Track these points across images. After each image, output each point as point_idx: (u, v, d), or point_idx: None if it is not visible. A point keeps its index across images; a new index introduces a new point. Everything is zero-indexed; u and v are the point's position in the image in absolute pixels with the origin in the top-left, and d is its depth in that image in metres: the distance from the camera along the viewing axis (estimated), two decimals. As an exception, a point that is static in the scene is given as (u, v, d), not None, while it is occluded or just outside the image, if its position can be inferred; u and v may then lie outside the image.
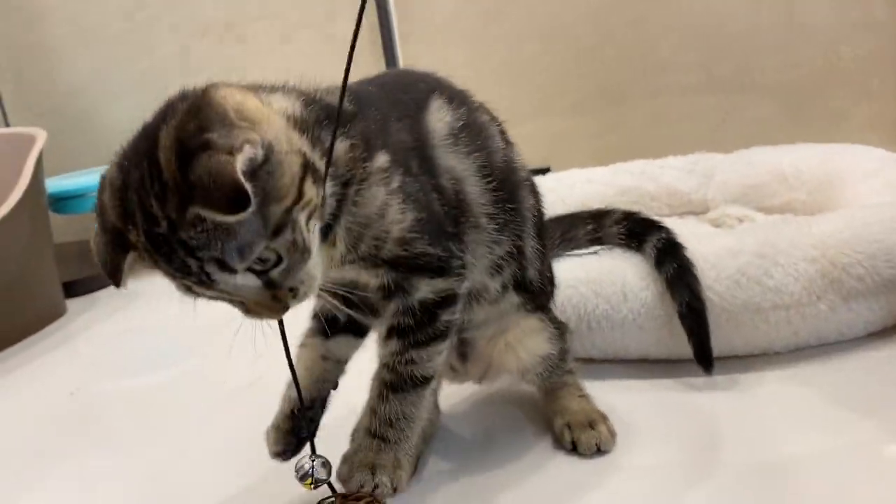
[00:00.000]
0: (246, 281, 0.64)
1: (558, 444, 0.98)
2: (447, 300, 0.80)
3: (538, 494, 0.88)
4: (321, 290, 0.72)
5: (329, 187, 0.70)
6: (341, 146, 0.72)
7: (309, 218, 0.66)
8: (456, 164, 0.83)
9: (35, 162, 1.84)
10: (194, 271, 0.62)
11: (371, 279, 0.79)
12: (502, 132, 0.93)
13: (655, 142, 2.06)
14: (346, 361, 0.89)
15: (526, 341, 0.95)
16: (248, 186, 0.58)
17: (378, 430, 0.80)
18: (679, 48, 2.17)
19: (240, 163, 0.58)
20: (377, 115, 0.78)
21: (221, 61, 2.41)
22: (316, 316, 0.89)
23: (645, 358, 1.16)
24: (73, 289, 2.02)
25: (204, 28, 2.40)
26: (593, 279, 1.15)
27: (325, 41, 2.27)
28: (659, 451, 0.93)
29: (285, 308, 0.68)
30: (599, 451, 0.94)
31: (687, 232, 1.16)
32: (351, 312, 0.83)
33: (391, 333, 0.81)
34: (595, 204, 1.86)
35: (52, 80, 2.49)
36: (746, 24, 2.13)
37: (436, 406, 1.06)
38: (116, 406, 1.34)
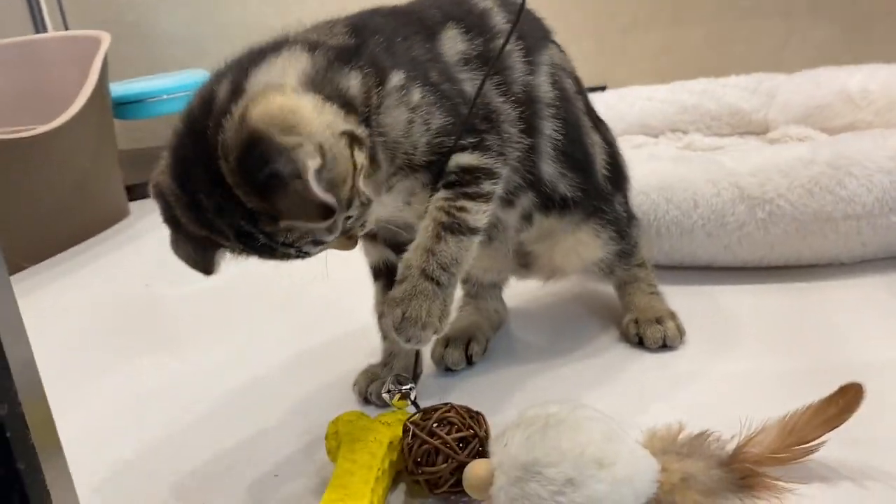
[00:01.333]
0: (326, 239, 0.72)
1: (624, 338, 1.01)
2: (488, 173, 0.79)
3: (602, 382, 0.92)
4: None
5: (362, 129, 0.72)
6: (354, 81, 0.73)
7: (364, 176, 0.71)
8: (471, 86, 0.83)
9: (101, 64, 1.87)
10: (293, 256, 0.71)
11: (416, 188, 0.82)
12: (527, 49, 0.89)
13: (714, 62, 2.03)
14: None
15: (580, 249, 0.97)
16: (327, 197, 0.63)
17: (433, 272, 0.77)
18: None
19: (312, 183, 0.62)
20: (382, 39, 0.78)
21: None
22: (378, 273, 0.94)
23: (711, 265, 1.18)
24: (136, 192, 2.06)
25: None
26: (665, 185, 1.16)
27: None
28: (725, 353, 0.96)
29: (356, 242, 0.77)
30: (665, 346, 0.97)
31: (750, 148, 1.16)
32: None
33: (440, 188, 0.80)
34: (654, 122, 1.88)
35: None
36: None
37: (501, 300, 1.11)
38: (183, 305, 1.39)
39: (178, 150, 0.69)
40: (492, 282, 1.09)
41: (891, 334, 0.95)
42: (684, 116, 1.84)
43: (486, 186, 0.79)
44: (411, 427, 0.75)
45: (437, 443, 0.72)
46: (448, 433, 0.73)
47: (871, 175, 1.10)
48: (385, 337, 0.94)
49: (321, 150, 0.65)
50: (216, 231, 0.69)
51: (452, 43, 0.84)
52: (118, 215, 1.97)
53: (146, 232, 1.84)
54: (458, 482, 0.70)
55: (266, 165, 0.63)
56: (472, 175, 0.79)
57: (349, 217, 0.71)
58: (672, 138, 1.84)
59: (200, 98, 0.72)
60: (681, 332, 0.98)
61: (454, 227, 0.77)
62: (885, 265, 1.13)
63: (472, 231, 0.78)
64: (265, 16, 2.46)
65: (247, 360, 1.10)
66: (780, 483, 0.65)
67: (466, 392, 0.93)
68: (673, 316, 1.00)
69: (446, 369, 0.98)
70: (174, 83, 2.19)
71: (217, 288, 1.39)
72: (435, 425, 0.74)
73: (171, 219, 0.71)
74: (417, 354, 0.89)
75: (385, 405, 0.86)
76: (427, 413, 0.76)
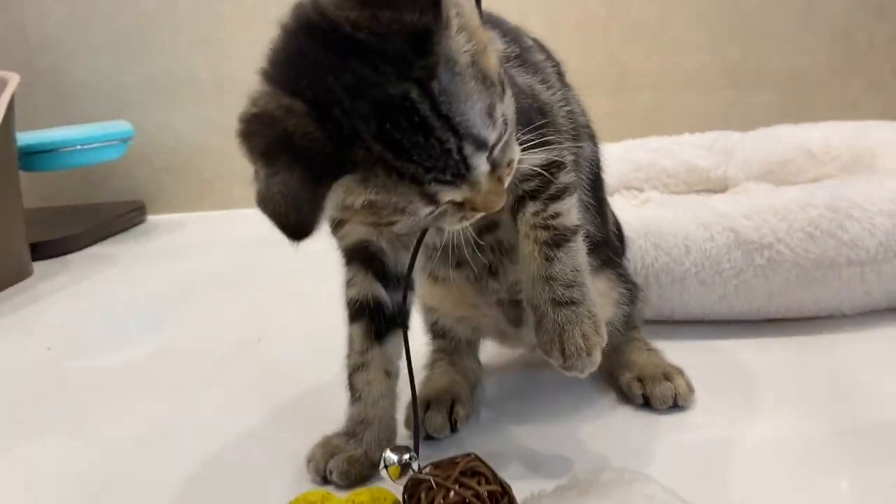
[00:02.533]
0: (482, 169, 0.58)
1: (624, 399, 0.88)
2: (558, 165, 0.72)
3: (607, 448, 0.78)
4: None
5: None
6: None
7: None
8: (521, 79, 0.75)
9: (6, 106, 1.68)
10: (454, 156, 0.55)
11: None
12: (559, 73, 0.85)
13: (663, 126, 1.99)
14: (399, 374, 0.79)
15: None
16: None
17: (563, 296, 0.69)
18: (690, 28, 2.11)
19: None
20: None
21: (208, 17, 2.27)
22: (361, 311, 0.78)
23: (704, 318, 1.07)
24: (41, 251, 1.85)
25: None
26: (652, 230, 1.06)
27: None
28: (748, 415, 0.84)
29: (503, 193, 0.61)
30: (676, 405, 0.85)
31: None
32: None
33: (522, 202, 0.72)
34: (608, 180, 1.80)
35: (23, 31, 2.32)
36: (761, 5, 2.08)
37: (477, 359, 0.98)
38: (82, 377, 1.18)
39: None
40: (468, 338, 0.95)
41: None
42: (639, 174, 1.76)
43: (564, 178, 0.73)
44: (430, 478, 0.59)
45: (468, 494, 0.57)
46: (479, 484, 0.57)
47: (873, 218, 1.02)
48: (356, 399, 0.78)
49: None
50: (351, 130, 0.54)
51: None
52: (20, 275, 1.74)
53: (50, 293, 1.64)
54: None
55: None
56: (547, 173, 0.71)
57: (501, 136, 0.59)
58: (627, 196, 1.75)
59: None
60: (691, 389, 0.86)
61: (558, 240, 0.71)
62: (887, 317, 1.05)
63: (574, 231, 0.72)
64: (194, 66, 2.31)
65: (168, 438, 0.92)
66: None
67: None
68: (681, 372, 0.87)
69: (426, 437, 0.83)
70: (92, 133, 2.01)
71: (135, 357, 1.23)
72: (461, 474, 0.58)
73: (276, 143, 0.55)
74: (416, 419, 0.72)
75: (351, 485, 0.72)
76: (443, 465, 0.61)
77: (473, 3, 0.60)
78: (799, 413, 0.82)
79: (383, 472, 0.63)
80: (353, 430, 0.78)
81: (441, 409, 0.84)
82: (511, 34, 0.79)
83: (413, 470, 0.62)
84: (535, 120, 0.71)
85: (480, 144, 0.56)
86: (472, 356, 0.97)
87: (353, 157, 0.55)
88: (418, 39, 0.53)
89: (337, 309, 0.80)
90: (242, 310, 1.40)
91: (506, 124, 0.59)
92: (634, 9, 2.12)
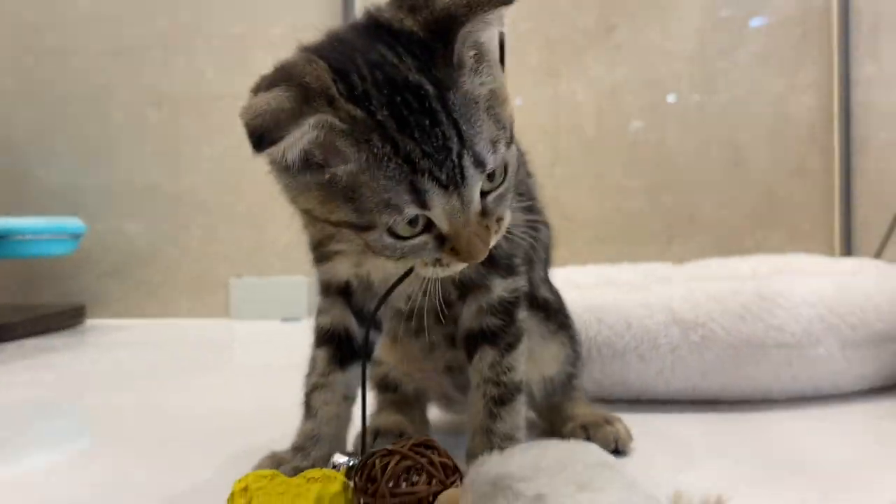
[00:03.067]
0: (475, 195, 0.61)
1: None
2: (518, 299, 0.79)
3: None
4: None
5: None
6: None
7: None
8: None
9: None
10: (453, 157, 0.58)
11: None
12: (525, 162, 0.91)
13: (602, 258, 2.10)
14: (355, 400, 0.81)
15: (546, 359, 0.91)
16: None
17: (501, 446, 0.73)
18: (628, 175, 2.29)
19: None
20: None
21: (175, 131, 2.36)
22: (330, 339, 0.81)
23: (641, 396, 1.11)
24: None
25: (159, 99, 2.37)
26: (596, 306, 1.12)
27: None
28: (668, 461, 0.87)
29: (488, 244, 0.64)
30: (616, 451, 0.87)
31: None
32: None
33: (479, 342, 0.78)
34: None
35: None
36: (694, 160, 2.28)
37: (425, 416, 0.98)
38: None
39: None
40: (416, 394, 0.97)
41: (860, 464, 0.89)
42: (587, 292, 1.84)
43: (520, 315, 0.79)
44: (386, 448, 0.60)
45: (422, 459, 0.58)
46: (432, 454, 0.59)
47: (798, 307, 1.10)
48: (311, 416, 0.78)
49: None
50: (362, 92, 0.59)
51: None
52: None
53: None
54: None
55: None
56: (509, 307, 0.77)
57: (497, 186, 0.62)
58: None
59: None
60: (630, 435, 0.89)
61: (504, 398, 0.76)
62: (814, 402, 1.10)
63: (519, 389, 0.78)
64: (155, 177, 2.38)
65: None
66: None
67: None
68: (619, 419, 0.92)
69: None
70: (43, 225, 2.02)
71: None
72: (415, 445, 0.60)
73: (286, 76, 0.59)
74: (364, 423, 0.73)
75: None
76: (398, 442, 0.62)
77: (497, 42, 0.64)
78: (743, 480, 0.85)
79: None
80: (302, 445, 0.78)
81: (389, 439, 0.85)
82: None
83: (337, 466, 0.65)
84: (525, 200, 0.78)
85: (479, 163, 0.59)
86: (420, 410, 0.98)
87: (354, 113, 0.58)
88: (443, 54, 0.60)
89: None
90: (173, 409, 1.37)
91: (505, 171, 0.63)
92: (578, 156, 2.29)
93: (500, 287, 0.76)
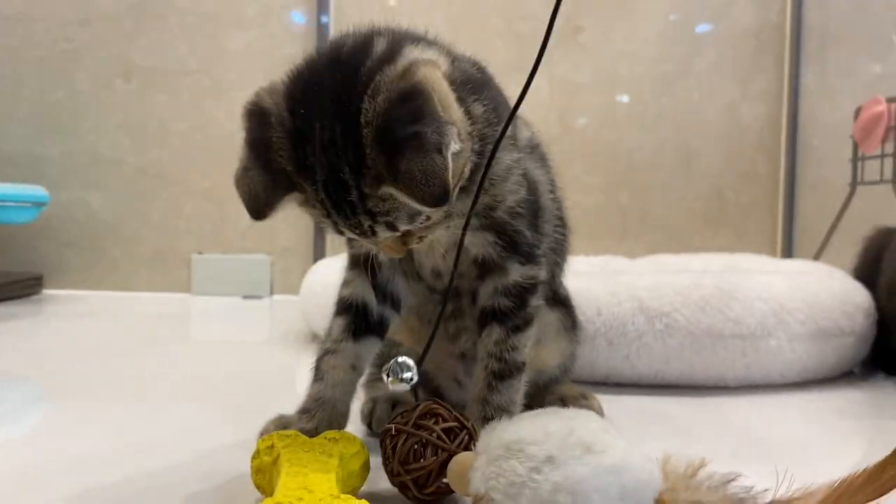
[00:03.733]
0: (385, 238, 0.68)
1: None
2: (534, 286, 0.83)
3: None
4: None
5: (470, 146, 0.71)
6: (478, 108, 0.73)
7: (457, 186, 0.69)
8: (534, 169, 0.87)
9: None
10: (364, 229, 0.66)
11: (474, 247, 0.80)
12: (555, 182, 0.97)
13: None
14: (362, 373, 0.86)
15: (549, 354, 0.98)
16: (449, 184, 0.60)
17: (492, 415, 0.78)
18: (588, 173, 2.38)
19: (449, 163, 0.60)
20: (496, 90, 0.81)
21: (142, 104, 2.36)
22: (348, 308, 0.85)
23: (608, 379, 1.19)
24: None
25: (128, 71, 2.36)
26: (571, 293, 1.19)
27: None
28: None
29: (402, 252, 0.72)
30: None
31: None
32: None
33: (489, 319, 0.82)
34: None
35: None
36: (649, 160, 2.39)
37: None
38: None
39: (307, 75, 0.66)
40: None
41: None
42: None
43: (534, 302, 0.82)
44: (393, 426, 0.66)
45: (425, 434, 0.64)
46: (435, 423, 0.64)
47: (752, 301, 1.20)
48: (318, 379, 0.83)
49: (460, 140, 0.64)
50: (308, 169, 0.64)
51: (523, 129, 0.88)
52: None
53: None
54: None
55: (415, 123, 0.60)
56: (523, 292, 0.81)
57: (428, 217, 0.67)
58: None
59: (354, 40, 0.68)
60: (602, 411, 0.97)
61: (504, 373, 0.81)
62: (767, 389, 1.20)
63: (521, 369, 0.82)
64: (120, 148, 2.37)
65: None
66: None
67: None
68: (595, 396, 0.99)
69: (370, 431, 0.90)
70: (5, 192, 2.00)
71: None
72: (419, 418, 0.65)
73: (256, 142, 0.66)
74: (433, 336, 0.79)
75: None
76: (406, 412, 0.68)
77: (465, 160, 0.69)
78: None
79: (385, 379, 0.72)
80: (307, 408, 0.82)
81: (386, 407, 0.91)
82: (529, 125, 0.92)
83: (405, 380, 0.71)
84: (536, 216, 0.83)
85: (393, 228, 0.66)
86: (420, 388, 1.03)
87: (304, 186, 0.66)
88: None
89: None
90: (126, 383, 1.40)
91: (429, 217, 0.68)
92: (540, 150, 2.37)
93: (517, 272, 0.81)
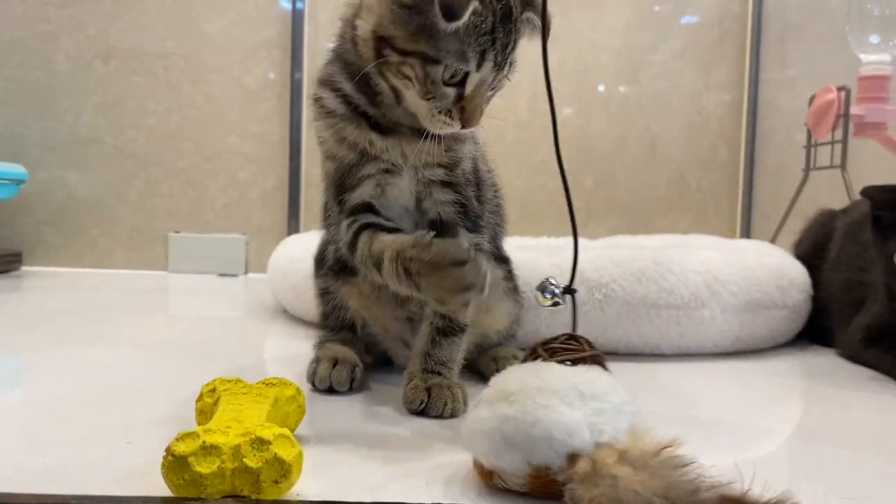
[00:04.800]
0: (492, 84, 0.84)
1: (480, 376, 1.05)
2: (478, 252, 0.92)
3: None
4: None
5: None
6: None
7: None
8: (470, 145, 0.97)
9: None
10: (507, 53, 0.83)
11: (433, 206, 0.92)
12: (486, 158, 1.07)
13: (529, 230, 2.26)
14: None
15: (496, 317, 1.07)
16: None
17: (433, 368, 0.89)
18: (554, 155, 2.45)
19: None
20: None
21: (120, 84, 2.41)
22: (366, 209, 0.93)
23: (550, 345, 1.27)
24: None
25: (107, 52, 2.41)
26: (516, 264, 1.26)
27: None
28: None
29: (480, 116, 0.86)
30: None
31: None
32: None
33: None
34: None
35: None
36: (614, 146, 2.46)
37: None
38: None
39: None
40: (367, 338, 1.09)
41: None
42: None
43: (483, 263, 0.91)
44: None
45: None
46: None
47: (686, 273, 1.27)
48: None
49: None
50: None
51: None
52: None
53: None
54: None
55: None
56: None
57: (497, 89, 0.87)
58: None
59: None
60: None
61: (447, 330, 0.91)
62: (698, 357, 1.28)
63: (463, 329, 0.92)
64: (99, 128, 2.42)
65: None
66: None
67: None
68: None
69: (329, 390, 0.96)
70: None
71: None
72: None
73: None
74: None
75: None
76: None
77: None
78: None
79: (537, 296, 0.88)
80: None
81: (346, 367, 0.97)
82: None
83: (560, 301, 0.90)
84: (478, 187, 0.95)
85: (511, 67, 0.86)
86: (360, 349, 1.10)
87: (494, 6, 0.80)
88: None
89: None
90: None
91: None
92: (510, 135, 2.45)
93: (466, 238, 0.91)
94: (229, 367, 1.09)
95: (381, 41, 0.82)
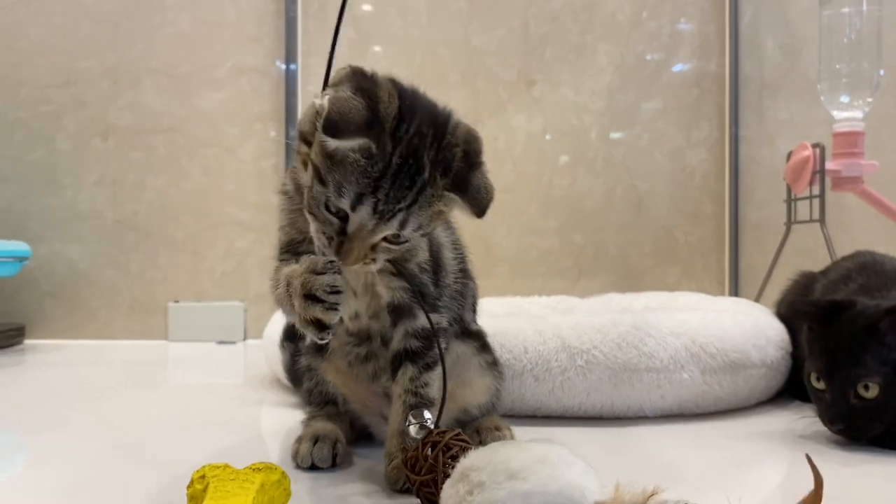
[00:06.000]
0: (381, 234, 0.82)
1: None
2: (438, 331, 0.95)
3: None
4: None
5: None
6: None
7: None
8: (440, 233, 1.02)
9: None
10: (396, 208, 0.79)
11: (388, 292, 0.95)
12: (461, 242, 1.11)
13: (519, 289, 2.31)
14: None
15: (474, 392, 1.10)
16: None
17: (409, 446, 0.90)
18: (542, 216, 2.51)
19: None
20: None
21: (118, 161, 2.49)
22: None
23: (536, 413, 1.30)
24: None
25: (105, 130, 2.49)
26: (500, 332, 1.31)
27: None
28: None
29: (358, 259, 0.83)
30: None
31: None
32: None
33: (403, 360, 0.95)
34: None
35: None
36: (602, 204, 2.52)
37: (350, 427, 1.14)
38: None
39: (410, 92, 0.84)
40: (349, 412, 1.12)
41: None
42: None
43: (441, 343, 0.95)
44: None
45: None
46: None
47: (665, 337, 1.31)
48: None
49: None
50: (398, 139, 0.79)
51: None
52: None
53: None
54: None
55: (479, 155, 0.86)
56: (428, 335, 0.94)
57: (397, 244, 0.84)
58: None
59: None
60: (514, 438, 1.07)
61: (419, 405, 0.93)
62: (680, 419, 1.31)
63: (432, 403, 0.94)
64: (98, 203, 2.49)
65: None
66: None
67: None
68: (508, 427, 1.09)
69: (312, 467, 0.99)
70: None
71: None
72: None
73: (365, 91, 0.79)
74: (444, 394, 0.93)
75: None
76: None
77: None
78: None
79: (410, 428, 0.87)
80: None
81: (327, 444, 1.00)
82: None
83: (430, 428, 0.87)
84: (437, 274, 0.97)
85: (402, 226, 0.80)
86: (348, 423, 1.13)
87: (387, 147, 0.78)
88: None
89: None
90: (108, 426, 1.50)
91: (407, 243, 0.84)
92: (498, 196, 2.50)
93: (424, 318, 0.94)
94: (222, 446, 1.12)
95: (302, 136, 0.84)
